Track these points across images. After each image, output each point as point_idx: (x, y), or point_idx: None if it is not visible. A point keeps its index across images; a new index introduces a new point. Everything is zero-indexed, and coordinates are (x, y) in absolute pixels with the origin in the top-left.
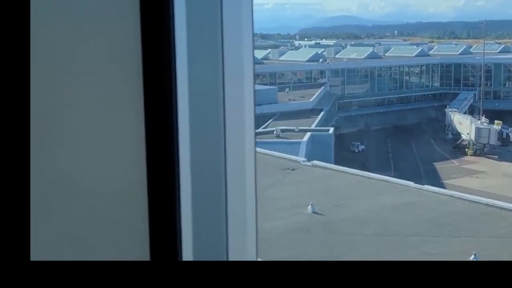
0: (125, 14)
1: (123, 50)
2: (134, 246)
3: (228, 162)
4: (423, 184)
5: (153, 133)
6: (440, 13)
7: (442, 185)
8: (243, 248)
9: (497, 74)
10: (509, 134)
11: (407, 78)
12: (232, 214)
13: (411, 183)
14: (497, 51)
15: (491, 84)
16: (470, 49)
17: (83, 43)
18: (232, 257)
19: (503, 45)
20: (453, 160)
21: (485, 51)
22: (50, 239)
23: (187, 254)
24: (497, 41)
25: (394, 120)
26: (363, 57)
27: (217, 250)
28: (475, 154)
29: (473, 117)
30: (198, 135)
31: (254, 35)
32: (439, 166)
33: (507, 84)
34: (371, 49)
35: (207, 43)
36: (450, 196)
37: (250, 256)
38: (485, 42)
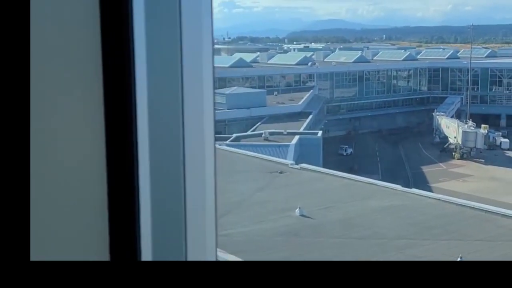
0: (85, 16)
1: (83, 51)
2: (94, 246)
3: (187, 162)
4: (410, 188)
5: (112, 136)
6: (428, 18)
7: (429, 189)
8: (203, 248)
9: (484, 78)
10: (496, 138)
11: (395, 82)
12: (191, 214)
13: (399, 187)
14: (484, 55)
15: (478, 89)
16: (458, 54)
17: (45, 47)
18: (191, 257)
19: (490, 50)
20: (440, 164)
21: (472, 56)
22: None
23: (146, 254)
24: (484, 46)
25: (382, 124)
26: (352, 61)
27: (176, 250)
28: (462, 157)
29: (460, 121)
30: (157, 136)
31: (213, 39)
32: (427, 169)
33: (493, 89)
34: (359, 53)
35: (166, 46)
36: (437, 199)
37: (210, 256)
38: (472, 47)
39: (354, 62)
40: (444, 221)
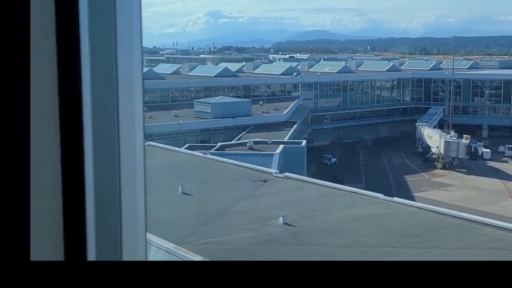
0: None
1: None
2: (49, 247)
3: (122, 171)
4: (393, 196)
5: (65, 142)
6: (412, 29)
7: (411, 198)
8: (135, 249)
9: (466, 89)
10: (478, 148)
11: (379, 92)
12: (126, 222)
13: (381, 195)
14: (466, 67)
15: (460, 99)
16: (440, 65)
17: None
18: (126, 258)
19: (472, 61)
20: (423, 173)
21: (454, 67)
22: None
23: (91, 254)
24: (466, 57)
25: (366, 134)
26: (336, 71)
27: (113, 251)
28: (444, 167)
29: (442, 131)
30: (98, 146)
31: (143, 49)
32: (409, 179)
33: (475, 99)
34: (343, 63)
35: (103, 55)
36: (419, 208)
37: (141, 257)
38: (455, 58)
39: (339, 72)
40: (425, 229)
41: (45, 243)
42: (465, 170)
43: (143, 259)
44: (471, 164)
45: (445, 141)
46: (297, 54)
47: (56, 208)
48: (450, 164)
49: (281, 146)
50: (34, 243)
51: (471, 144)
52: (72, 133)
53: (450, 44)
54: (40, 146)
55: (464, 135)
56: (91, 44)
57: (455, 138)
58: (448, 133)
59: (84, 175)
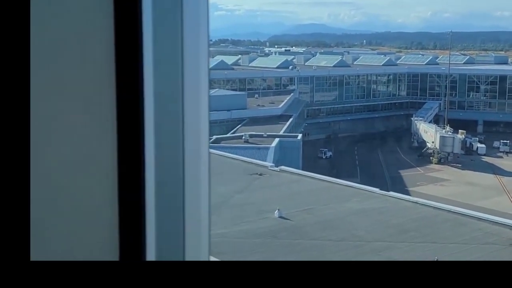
0: (100, 20)
1: (97, 54)
2: (104, 247)
3: (186, 170)
4: (388, 191)
5: (123, 139)
6: (408, 24)
7: (407, 192)
8: (198, 249)
9: (461, 84)
10: (473, 143)
11: (375, 86)
12: (189, 220)
13: (377, 190)
14: (462, 62)
15: (456, 94)
16: (436, 60)
17: (60, 47)
18: (189, 258)
19: (468, 57)
20: (418, 168)
21: (450, 62)
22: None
23: (150, 255)
24: (462, 52)
25: (362, 128)
26: (332, 65)
27: (175, 251)
28: (439, 162)
29: (438, 126)
30: (161, 142)
31: (209, 42)
32: (405, 173)
33: (471, 95)
34: (340, 57)
35: (169, 51)
36: (414, 202)
37: (203, 257)
38: (451, 53)
39: (335, 66)
40: (420, 224)
41: (100, 242)
42: (460, 165)
43: (206, 259)
44: (466, 159)
45: (440, 136)
46: (293, 47)
47: (112, 207)
48: (445, 159)
49: (277, 139)
50: (89, 243)
51: (466, 139)
52: (132, 127)
53: (447, 39)
54: (97, 142)
55: (459, 130)
56: (155, 38)
57: (451, 133)
58: (443, 128)
59: (145, 174)
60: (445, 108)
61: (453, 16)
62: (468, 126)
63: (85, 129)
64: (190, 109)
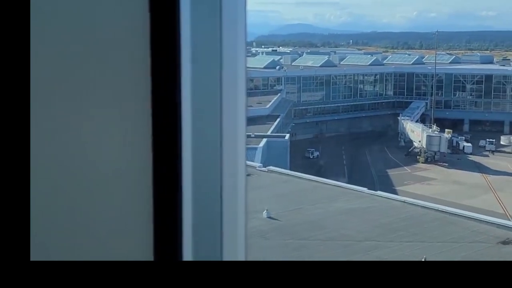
0: (134, 18)
1: (131, 53)
2: (138, 247)
3: (223, 167)
4: (376, 190)
5: (158, 136)
6: (394, 24)
7: (394, 191)
8: (235, 249)
9: (448, 84)
10: (459, 142)
11: (362, 86)
12: (226, 219)
13: (365, 189)
14: (448, 61)
15: (442, 94)
16: (423, 59)
17: (93, 45)
18: (226, 258)
19: (454, 56)
20: (405, 167)
21: (436, 62)
22: (56, 239)
23: (187, 254)
24: (448, 52)
25: (349, 128)
26: (319, 65)
27: (213, 251)
28: (426, 161)
29: (424, 125)
30: (198, 140)
31: (246, 42)
32: (392, 172)
33: (457, 94)
34: (326, 57)
35: (207, 50)
36: (402, 202)
37: (240, 257)
38: (437, 52)
39: (321, 66)
40: (409, 223)
41: (135, 242)
42: (446, 164)
43: (243, 259)
44: (453, 158)
45: (427, 135)
46: (280, 47)
47: (147, 206)
48: (432, 158)
49: (264, 139)
50: (124, 242)
51: (452, 138)
52: (169, 126)
53: (433, 39)
54: (133, 142)
55: (446, 129)
56: (193, 38)
57: (437, 132)
58: (430, 127)
59: (182, 173)
60: (432, 108)
61: (439, 16)
62: (455, 125)
63: (121, 129)
64: (227, 109)
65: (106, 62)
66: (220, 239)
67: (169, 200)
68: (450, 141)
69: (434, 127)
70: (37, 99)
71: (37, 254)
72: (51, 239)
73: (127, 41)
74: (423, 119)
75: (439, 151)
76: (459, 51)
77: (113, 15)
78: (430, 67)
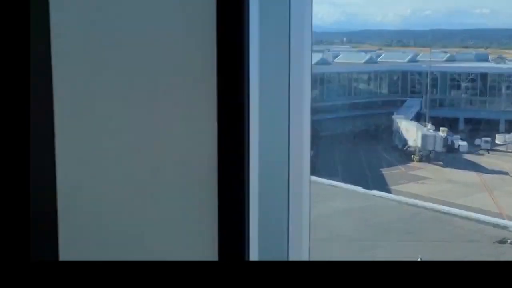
0: (202, 19)
1: (199, 53)
2: (203, 247)
3: (290, 168)
4: (370, 189)
5: (225, 137)
6: (388, 21)
7: (389, 191)
8: (300, 249)
9: (443, 82)
10: (454, 141)
11: (356, 84)
12: (292, 219)
13: (359, 188)
14: (443, 59)
15: (437, 92)
16: (417, 57)
17: (161, 42)
18: (292, 258)
19: (449, 54)
20: (399, 166)
21: (431, 60)
22: (122, 239)
23: (253, 254)
24: (443, 49)
25: (342, 127)
26: (312, 63)
27: (279, 251)
28: (421, 160)
29: (419, 124)
30: (265, 140)
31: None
32: (386, 172)
33: (452, 92)
34: (320, 55)
35: (276, 48)
36: (398, 201)
37: (304, 257)
38: (432, 50)
39: (315, 64)
40: (403, 223)
41: (199, 242)
42: (441, 163)
43: (307, 259)
44: (448, 157)
45: (422, 134)
46: None
47: (212, 207)
48: (427, 157)
49: None
50: (188, 243)
51: (447, 137)
52: (236, 124)
53: (427, 37)
54: (199, 141)
55: (440, 128)
56: (262, 37)
57: (432, 131)
58: (425, 126)
59: (249, 173)
60: (426, 106)
61: (433, 13)
62: (450, 124)
63: (187, 129)
64: (294, 108)
65: (174, 62)
66: (287, 239)
67: (235, 199)
68: (445, 140)
69: (429, 125)
70: (104, 100)
71: (101, 253)
72: (117, 238)
73: (195, 41)
74: (418, 118)
75: (434, 150)
76: (454, 49)
77: (181, 14)
78: (424, 66)
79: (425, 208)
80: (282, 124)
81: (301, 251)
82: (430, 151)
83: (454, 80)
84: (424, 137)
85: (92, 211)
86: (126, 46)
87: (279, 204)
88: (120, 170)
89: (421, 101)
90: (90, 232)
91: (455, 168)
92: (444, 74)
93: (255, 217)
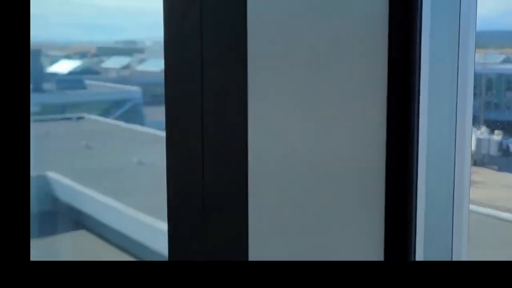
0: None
1: (369, 50)
2: (368, 247)
3: (456, 168)
4: None
5: (394, 135)
6: None
7: None
8: (460, 249)
9: (498, 84)
10: (509, 144)
11: None
12: (456, 218)
13: None
14: (499, 61)
15: (492, 94)
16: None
17: (333, 40)
18: (455, 258)
19: (505, 56)
20: None
21: (486, 61)
22: (281, 239)
23: (419, 254)
24: (501, 50)
25: None
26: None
27: (444, 251)
28: (474, 164)
29: (473, 127)
30: (433, 140)
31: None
32: None
33: (508, 95)
34: None
35: (446, 48)
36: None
37: (464, 257)
38: (487, 52)
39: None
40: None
41: (365, 242)
42: (496, 167)
43: (466, 259)
44: (503, 161)
45: (476, 137)
46: None
47: (379, 207)
48: (481, 160)
49: None
50: (354, 243)
51: (502, 140)
52: (404, 124)
53: (482, 37)
54: (367, 139)
55: (495, 131)
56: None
57: (486, 134)
58: (478, 129)
59: (418, 172)
60: (481, 109)
61: (488, 13)
62: (505, 127)
63: (356, 130)
64: (460, 113)
65: (345, 60)
66: (451, 239)
67: (402, 198)
68: (500, 143)
69: (483, 128)
70: (293, 100)
71: (256, 253)
72: (276, 238)
73: (366, 39)
74: (472, 121)
75: (488, 153)
76: (510, 50)
77: (353, 13)
78: (479, 67)
79: (478, 213)
80: (449, 130)
81: (461, 252)
82: (483, 155)
83: (510, 83)
84: (478, 141)
85: (278, 206)
86: (311, 49)
87: (444, 206)
88: (287, 171)
89: (475, 104)
90: (277, 230)
91: (510, 173)
92: (500, 76)
93: (422, 217)
